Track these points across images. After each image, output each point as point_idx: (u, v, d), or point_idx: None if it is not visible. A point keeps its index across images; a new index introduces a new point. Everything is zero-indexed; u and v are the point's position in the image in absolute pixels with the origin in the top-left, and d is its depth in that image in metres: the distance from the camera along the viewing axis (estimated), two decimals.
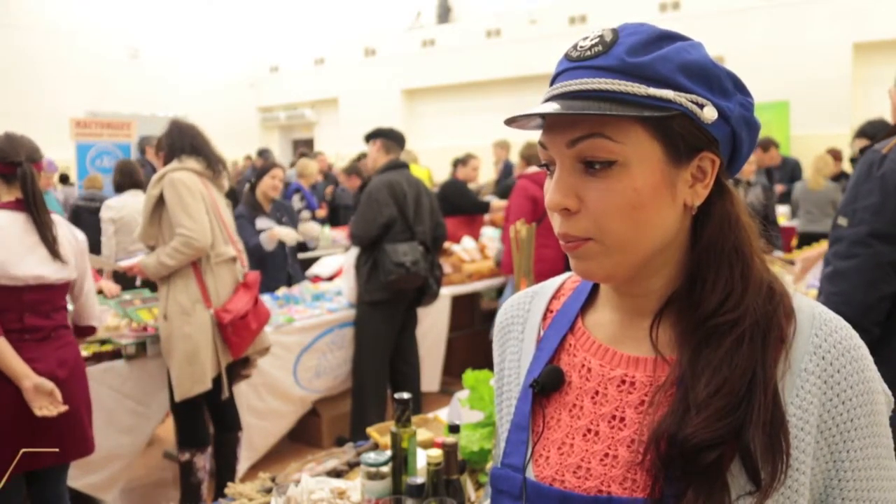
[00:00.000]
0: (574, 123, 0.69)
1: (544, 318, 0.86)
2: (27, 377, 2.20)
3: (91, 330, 2.65)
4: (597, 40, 0.70)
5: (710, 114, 0.69)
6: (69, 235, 2.46)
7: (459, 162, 6.61)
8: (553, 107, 0.68)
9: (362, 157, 7.15)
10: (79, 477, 2.94)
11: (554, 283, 0.90)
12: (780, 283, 0.74)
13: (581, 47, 0.71)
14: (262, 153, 8.89)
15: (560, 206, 0.70)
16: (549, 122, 0.71)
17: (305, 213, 6.53)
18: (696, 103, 0.68)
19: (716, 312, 0.70)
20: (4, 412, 2.21)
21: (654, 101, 0.67)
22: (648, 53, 0.68)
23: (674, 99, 0.67)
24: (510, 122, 0.74)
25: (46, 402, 2.22)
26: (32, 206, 2.33)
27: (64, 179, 9.26)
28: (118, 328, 3.23)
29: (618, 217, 0.69)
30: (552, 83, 0.73)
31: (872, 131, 4.71)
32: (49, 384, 2.23)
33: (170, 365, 2.98)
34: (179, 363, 2.94)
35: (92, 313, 2.60)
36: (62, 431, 2.31)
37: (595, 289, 0.84)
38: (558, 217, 0.72)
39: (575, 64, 0.71)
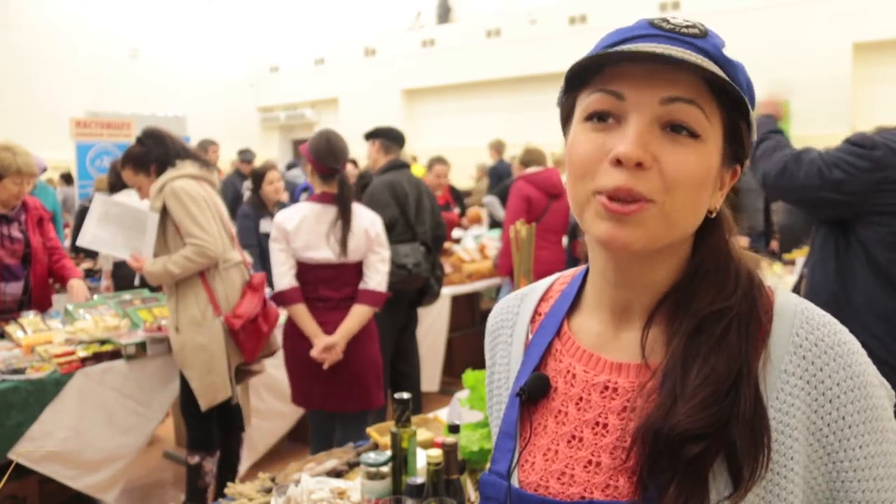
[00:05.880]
0: (673, 83, 0.66)
1: (532, 320, 0.85)
2: (317, 337, 2.86)
3: (370, 295, 2.95)
4: (690, 23, 0.70)
5: (756, 133, 0.72)
6: (366, 224, 2.94)
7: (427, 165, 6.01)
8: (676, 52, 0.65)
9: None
10: (79, 477, 2.93)
11: (543, 284, 0.89)
12: (758, 273, 0.75)
13: (674, 23, 0.70)
14: (242, 153, 8.23)
15: (637, 159, 0.65)
16: (641, 73, 0.67)
17: None
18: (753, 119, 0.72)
19: (709, 304, 0.71)
20: (303, 363, 2.90)
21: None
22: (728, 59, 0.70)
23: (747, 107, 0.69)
24: (586, 61, 0.68)
25: (332, 356, 2.85)
26: (341, 202, 2.89)
27: (68, 179, 9.23)
28: (118, 328, 3.22)
29: (689, 187, 0.67)
30: (619, 42, 0.70)
31: None
32: (332, 340, 2.85)
33: (188, 376, 2.95)
34: (199, 374, 2.92)
35: (369, 281, 2.96)
36: (345, 384, 2.93)
37: (581, 291, 0.82)
38: (622, 172, 0.66)
39: (669, 34, 0.69)
